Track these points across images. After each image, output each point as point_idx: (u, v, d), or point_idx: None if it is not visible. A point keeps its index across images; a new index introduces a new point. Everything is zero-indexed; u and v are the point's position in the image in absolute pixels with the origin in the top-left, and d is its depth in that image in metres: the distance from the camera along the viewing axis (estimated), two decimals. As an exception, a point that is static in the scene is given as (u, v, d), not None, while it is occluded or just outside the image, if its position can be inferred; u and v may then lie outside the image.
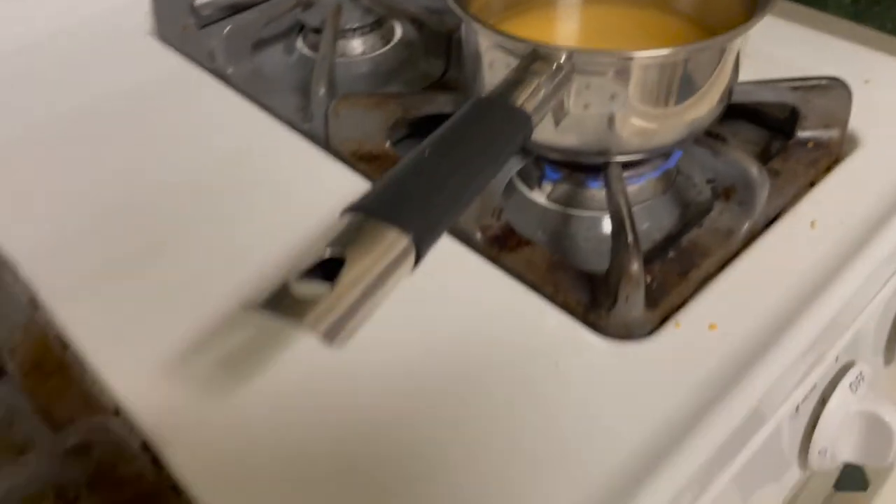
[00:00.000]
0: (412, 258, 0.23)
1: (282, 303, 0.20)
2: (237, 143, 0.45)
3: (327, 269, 0.21)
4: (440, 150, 0.26)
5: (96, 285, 0.36)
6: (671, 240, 0.38)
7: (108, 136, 0.46)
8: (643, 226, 0.39)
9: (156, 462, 0.30)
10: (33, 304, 0.36)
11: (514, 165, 0.39)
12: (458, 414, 0.30)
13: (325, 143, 0.44)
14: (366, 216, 0.23)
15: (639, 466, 0.28)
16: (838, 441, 0.35)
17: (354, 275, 0.21)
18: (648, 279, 0.35)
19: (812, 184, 0.40)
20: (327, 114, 0.43)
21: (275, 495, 0.28)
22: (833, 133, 0.41)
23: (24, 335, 0.33)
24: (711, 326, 0.33)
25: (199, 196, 0.41)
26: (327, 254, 0.21)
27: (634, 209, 0.39)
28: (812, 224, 0.37)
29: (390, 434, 0.30)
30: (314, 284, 0.21)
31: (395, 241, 0.22)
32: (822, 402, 0.35)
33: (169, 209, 0.40)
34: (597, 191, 0.39)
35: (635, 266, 0.32)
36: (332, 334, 0.20)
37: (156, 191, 0.42)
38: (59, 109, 0.48)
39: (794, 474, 0.38)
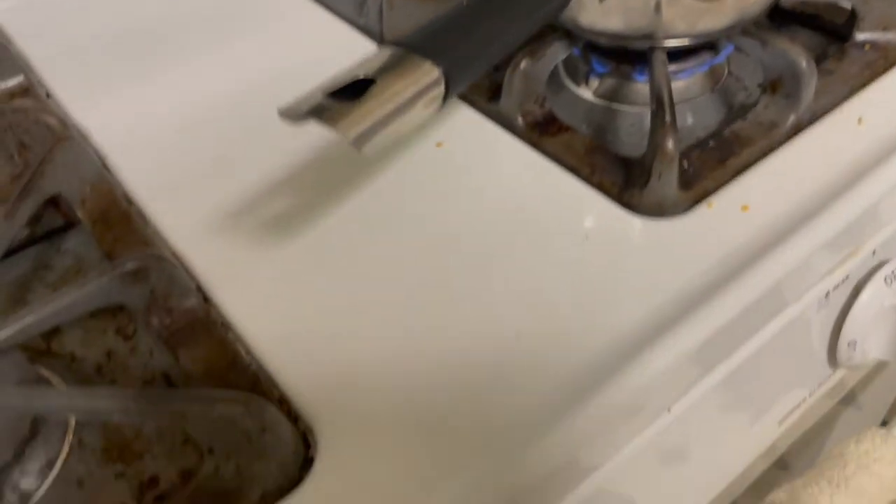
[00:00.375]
0: (441, 90, 0.24)
1: (319, 112, 0.22)
2: (296, 37, 0.46)
3: (361, 91, 0.23)
4: (479, 2, 0.27)
5: (161, 157, 0.39)
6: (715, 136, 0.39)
7: (179, 40, 0.48)
8: (688, 121, 0.40)
9: (207, 300, 0.32)
10: (104, 165, 0.39)
11: (560, 53, 0.39)
12: (490, 272, 0.32)
13: (379, 37, 0.45)
14: (402, 49, 0.24)
15: (658, 323, 0.29)
16: (869, 335, 0.35)
17: (385, 94, 0.22)
18: (686, 164, 0.35)
19: (865, 85, 0.39)
20: (382, 7, 0.44)
21: (315, 331, 0.31)
22: (891, 36, 0.40)
23: (92, 189, 0.36)
24: (744, 208, 0.33)
25: (262, 90, 0.43)
26: (361, 74, 0.23)
27: (681, 105, 0.40)
28: (859, 120, 0.37)
29: (423, 285, 0.32)
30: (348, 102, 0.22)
31: (427, 71, 0.24)
32: (856, 294, 0.35)
33: (234, 104, 0.42)
34: (643, 85, 0.40)
35: (670, 144, 0.33)
36: (361, 142, 0.21)
37: (223, 86, 0.43)
38: (132, 20, 0.51)
39: (823, 370, 0.38)
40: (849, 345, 0.35)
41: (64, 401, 0.25)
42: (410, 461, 0.26)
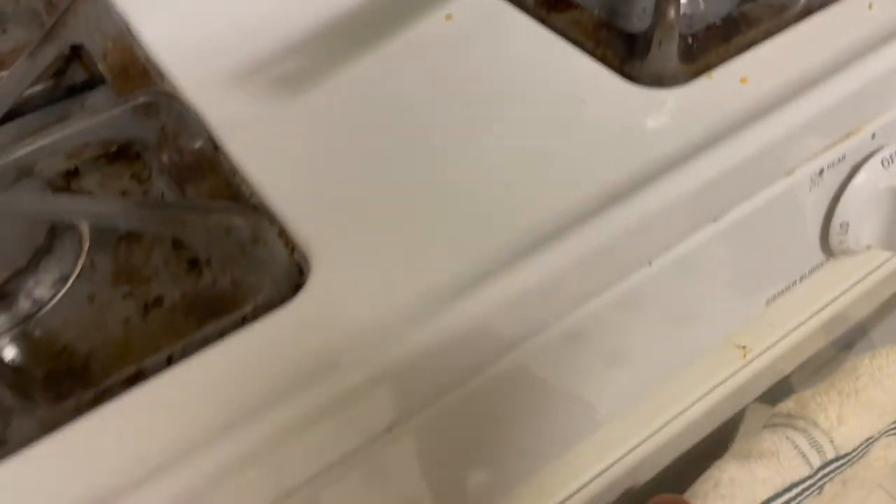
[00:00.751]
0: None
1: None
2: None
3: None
4: None
5: (182, 24, 0.40)
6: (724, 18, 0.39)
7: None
8: (700, 7, 0.40)
9: (217, 148, 0.34)
10: (127, 27, 0.40)
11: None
12: (486, 129, 0.33)
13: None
14: None
15: (647, 176, 0.30)
16: (862, 219, 0.36)
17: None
18: (690, 40, 0.35)
19: (882, -24, 0.39)
20: None
21: (315, 178, 0.32)
22: (914, -73, 0.40)
23: (113, 45, 0.38)
24: (743, 80, 0.34)
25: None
26: None
27: (694, -6, 0.40)
28: (869, 5, 0.36)
29: (422, 139, 0.33)
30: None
31: None
32: (851, 177, 0.36)
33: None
34: (656, -31, 0.40)
35: (671, 12, 0.33)
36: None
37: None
38: None
39: (815, 255, 0.38)
40: (841, 226, 0.36)
41: (74, 205, 0.26)
42: (394, 294, 0.28)
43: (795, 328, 0.40)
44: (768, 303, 0.38)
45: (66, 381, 0.26)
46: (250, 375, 0.25)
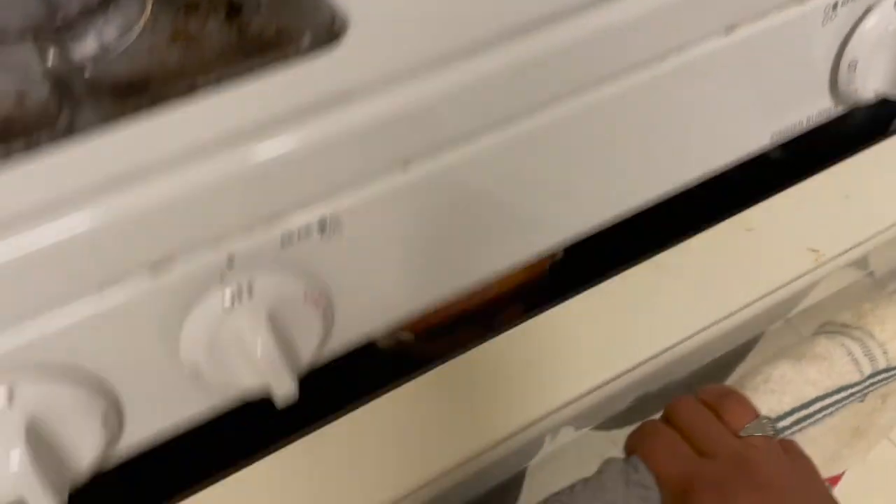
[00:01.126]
0: None
1: None
2: None
3: None
4: None
5: None
6: None
7: None
8: None
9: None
10: None
11: None
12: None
13: None
14: None
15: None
16: (872, 60, 0.38)
17: None
18: None
19: None
20: None
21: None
22: None
23: None
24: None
25: None
26: None
27: None
28: None
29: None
30: None
31: None
32: (864, 18, 0.37)
33: None
34: None
35: None
36: None
37: None
38: None
39: (824, 97, 0.40)
40: (849, 66, 0.38)
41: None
42: (425, 51, 0.30)
43: (871, 237, 0.42)
44: (773, 137, 0.40)
45: (127, 90, 0.30)
46: (286, 99, 0.29)
